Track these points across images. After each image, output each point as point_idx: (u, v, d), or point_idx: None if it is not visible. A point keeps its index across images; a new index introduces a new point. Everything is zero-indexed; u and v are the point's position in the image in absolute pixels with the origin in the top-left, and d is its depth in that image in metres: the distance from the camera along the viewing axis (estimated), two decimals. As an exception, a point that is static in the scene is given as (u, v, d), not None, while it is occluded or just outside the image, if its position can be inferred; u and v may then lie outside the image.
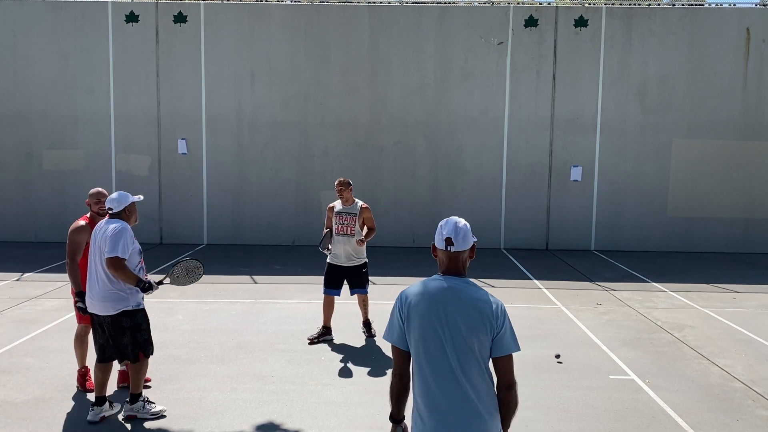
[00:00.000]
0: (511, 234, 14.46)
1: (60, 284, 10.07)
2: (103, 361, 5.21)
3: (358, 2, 14.35)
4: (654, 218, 14.30)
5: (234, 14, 14.21)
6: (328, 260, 7.50)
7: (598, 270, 12.03)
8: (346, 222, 7.35)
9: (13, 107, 14.32)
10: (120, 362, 5.49)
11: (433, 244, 2.98)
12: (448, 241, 2.87)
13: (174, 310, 8.61)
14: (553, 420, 5.37)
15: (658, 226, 14.31)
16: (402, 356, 2.91)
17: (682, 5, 14.48)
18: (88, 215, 5.80)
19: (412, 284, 2.98)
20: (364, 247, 7.49)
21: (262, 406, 5.56)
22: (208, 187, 14.49)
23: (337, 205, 7.49)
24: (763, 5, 14.10)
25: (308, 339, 7.38)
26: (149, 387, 5.85)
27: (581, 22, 14.04)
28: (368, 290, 7.61)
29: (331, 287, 7.46)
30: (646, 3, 15.53)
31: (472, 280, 2.91)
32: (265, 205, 14.47)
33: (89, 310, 5.21)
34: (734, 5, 14.24)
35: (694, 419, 5.43)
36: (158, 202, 14.43)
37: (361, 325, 7.74)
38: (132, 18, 14.16)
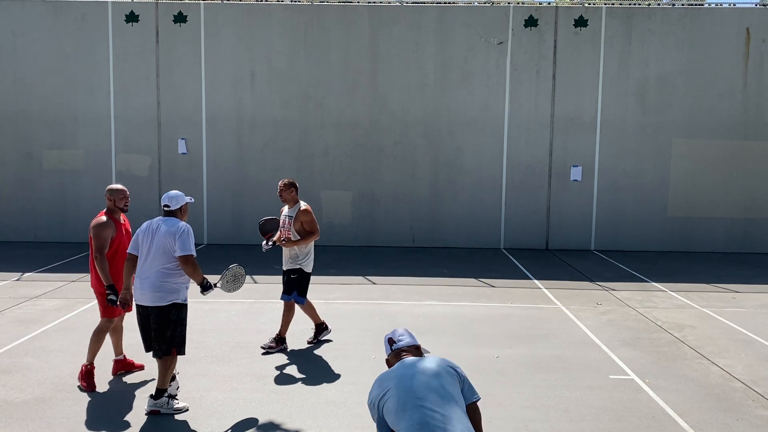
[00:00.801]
0: (511, 234, 14.46)
1: (60, 284, 10.08)
2: (148, 351, 5.46)
3: (358, 2, 14.35)
4: (654, 218, 14.31)
5: (234, 14, 14.22)
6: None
7: (598, 270, 12.03)
8: (286, 225, 7.07)
9: (13, 107, 14.32)
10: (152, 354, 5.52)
11: (386, 359, 3.66)
12: (390, 341, 3.67)
13: (174, 310, 8.60)
14: (553, 420, 5.37)
15: (658, 226, 14.31)
16: None
17: (682, 5, 14.48)
18: (105, 210, 5.94)
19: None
20: (305, 253, 7.05)
21: (262, 406, 5.56)
22: (208, 187, 14.49)
23: (285, 208, 7.23)
24: (763, 5, 14.10)
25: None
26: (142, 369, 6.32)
27: (581, 22, 14.04)
28: (292, 299, 7.06)
29: (283, 293, 7.17)
30: (646, 3, 15.53)
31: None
32: (265, 205, 14.44)
33: (137, 302, 5.37)
34: (734, 5, 14.23)
35: (694, 419, 5.43)
36: (158, 202, 14.42)
37: (272, 338, 7.10)
38: (132, 18, 14.16)
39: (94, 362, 5.96)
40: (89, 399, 5.66)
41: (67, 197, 14.40)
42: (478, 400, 3.33)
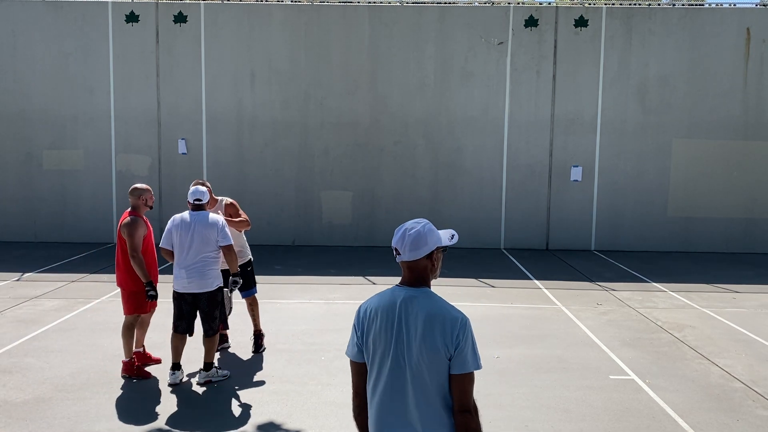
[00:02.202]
0: (511, 234, 14.46)
1: (60, 284, 10.08)
2: (181, 333, 6.03)
3: (358, 2, 14.35)
4: (654, 218, 14.30)
5: (234, 14, 14.21)
6: None
7: (598, 270, 12.03)
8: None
9: (13, 107, 14.32)
10: (189, 335, 6.15)
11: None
12: (396, 251, 2.64)
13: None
14: (553, 420, 5.37)
15: (658, 226, 14.30)
16: (358, 372, 2.73)
17: (682, 5, 14.48)
18: (130, 209, 6.20)
19: (371, 296, 2.77)
20: (245, 243, 7.03)
21: (262, 406, 5.56)
22: (208, 187, 14.47)
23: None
24: (763, 5, 14.10)
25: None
26: (159, 363, 6.50)
27: (581, 22, 14.04)
28: (256, 292, 7.10)
29: (244, 289, 7.02)
30: (646, 3, 15.53)
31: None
32: (265, 205, 14.46)
33: (183, 290, 5.91)
34: (734, 5, 14.23)
35: (694, 419, 5.42)
36: (158, 202, 14.41)
37: (251, 336, 7.10)
38: (132, 18, 14.16)
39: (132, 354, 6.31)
40: (89, 399, 5.67)
41: (67, 197, 14.40)
42: None
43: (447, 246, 2.70)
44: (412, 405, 2.55)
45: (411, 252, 2.61)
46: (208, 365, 6.05)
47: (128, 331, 6.20)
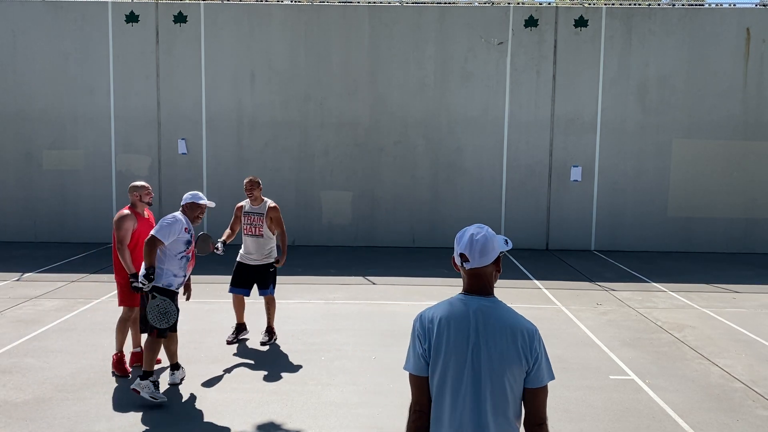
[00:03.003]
0: (511, 234, 14.43)
1: (60, 284, 10.08)
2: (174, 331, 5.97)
3: (358, 2, 14.35)
4: (654, 218, 14.30)
5: (234, 14, 14.21)
6: (237, 258, 7.38)
7: (598, 270, 12.03)
8: (254, 222, 7.24)
9: (13, 107, 14.32)
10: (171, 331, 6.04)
11: (453, 257, 2.64)
12: (463, 258, 2.53)
13: (174, 310, 8.61)
14: (553, 420, 5.36)
15: (658, 226, 14.30)
16: (423, 387, 2.52)
17: (682, 5, 14.48)
18: (129, 205, 6.33)
19: (431, 306, 2.61)
20: (275, 246, 7.35)
21: (262, 406, 5.56)
22: (208, 187, 14.48)
23: (246, 204, 7.36)
24: (763, 5, 14.10)
25: (227, 341, 7.25)
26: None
27: (581, 22, 14.04)
28: (274, 293, 7.36)
29: (238, 287, 7.29)
30: (646, 3, 15.53)
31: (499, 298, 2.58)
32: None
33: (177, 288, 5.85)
34: (734, 5, 14.23)
35: (694, 419, 5.42)
36: (158, 202, 14.42)
37: (264, 332, 7.34)
38: (132, 18, 14.16)
39: (123, 350, 6.37)
40: (89, 399, 5.67)
41: (67, 197, 14.40)
42: None
43: (505, 251, 2.63)
44: (490, 419, 2.45)
45: (480, 258, 2.51)
46: (145, 373, 5.65)
47: (122, 324, 6.31)
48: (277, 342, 7.36)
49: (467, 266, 2.53)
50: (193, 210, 6.02)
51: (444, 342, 2.48)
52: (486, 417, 2.45)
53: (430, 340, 2.49)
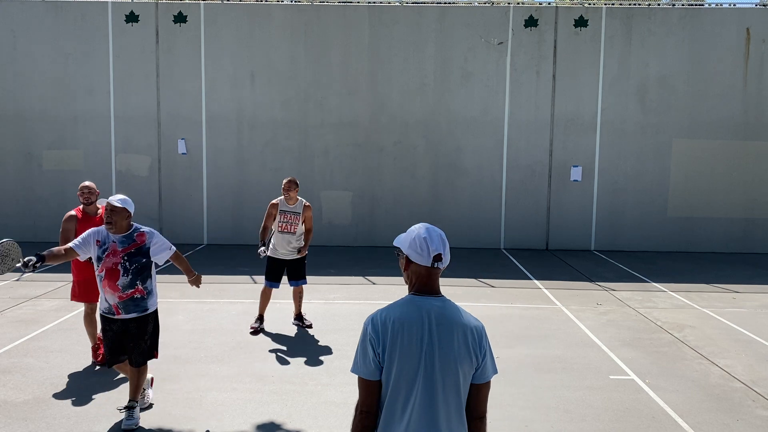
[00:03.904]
0: (511, 234, 14.46)
1: (60, 284, 10.08)
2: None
3: (358, 2, 14.35)
4: (654, 218, 14.30)
5: (234, 14, 14.21)
6: (269, 254, 7.72)
7: (598, 270, 12.03)
8: (290, 221, 7.64)
9: (13, 107, 14.32)
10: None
11: (406, 256, 2.53)
12: (437, 258, 2.48)
13: (174, 310, 8.61)
14: (553, 420, 5.37)
15: (658, 226, 14.30)
16: (373, 391, 2.48)
17: (682, 5, 14.48)
18: (80, 207, 6.45)
19: (382, 308, 2.56)
20: (302, 241, 7.78)
21: (262, 406, 5.56)
22: (208, 187, 14.49)
23: (282, 203, 7.69)
24: (763, 5, 14.10)
25: (251, 330, 7.67)
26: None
27: (581, 22, 14.04)
28: (302, 283, 7.90)
29: (275, 280, 7.74)
30: (646, 3, 15.53)
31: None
32: (265, 205, 14.35)
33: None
34: (734, 5, 14.23)
35: (694, 419, 5.42)
36: (158, 202, 14.43)
37: (294, 319, 8.03)
38: (132, 18, 14.15)
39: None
40: (90, 399, 5.66)
41: (67, 197, 14.38)
42: None
43: None
44: (443, 419, 2.47)
45: (447, 256, 2.53)
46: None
47: (87, 318, 6.54)
48: (276, 342, 7.36)
49: (440, 266, 2.51)
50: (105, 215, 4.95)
51: (398, 345, 2.45)
52: (438, 416, 2.46)
53: (384, 344, 2.46)
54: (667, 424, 5.33)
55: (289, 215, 7.63)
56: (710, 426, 5.31)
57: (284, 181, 7.61)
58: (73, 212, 6.31)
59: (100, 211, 6.45)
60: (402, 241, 2.58)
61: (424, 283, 2.54)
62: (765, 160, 14.21)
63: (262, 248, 7.55)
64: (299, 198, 7.68)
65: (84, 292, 6.45)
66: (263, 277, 7.85)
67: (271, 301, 9.20)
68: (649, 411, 5.59)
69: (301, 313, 8.03)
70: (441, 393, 2.46)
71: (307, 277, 7.97)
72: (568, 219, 14.36)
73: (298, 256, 7.71)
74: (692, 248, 14.29)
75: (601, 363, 6.80)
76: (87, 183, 6.47)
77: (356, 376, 2.54)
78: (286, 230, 7.62)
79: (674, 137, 14.20)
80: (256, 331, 7.65)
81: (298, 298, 7.93)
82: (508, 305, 9.25)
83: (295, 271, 7.77)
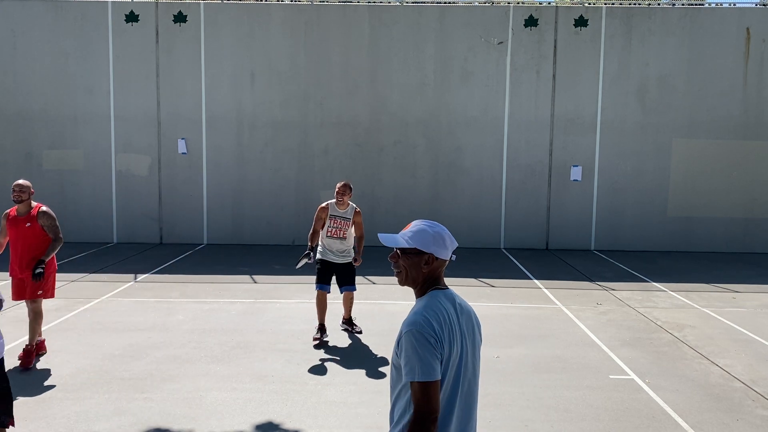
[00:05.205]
0: (511, 234, 14.46)
1: (60, 284, 10.03)
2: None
3: (358, 2, 14.35)
4: (654, 218, 14.30)
5: (234, 14, 14.21)
6: (319, 257, 7.53)
7: (598, 270, 12.03)
8: (340, 226, 7.42)
9: (13, 107, 14.32)
10: None
11: (430, 255, 2.46)
12: (454, 250, 2.53)
13: (174, 310, 8.62)
14: (553, 420, 5.37)
15: (658, 226, 14.31)
16: (438, 395, 2.36)
17: (682, 5, 14.48)
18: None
19: (417, 309, 2.45)
20: (353, 245, 7.62)
21: (262, 406, 5.56)
22: (208, 187, 14.49)
23: (332, 207, 7.45)
24: (763, 5, 14.10)
25: (314, 340, 7.30)
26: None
27: (581, 22, 14.04)
28: (355, 290, 7.72)
29: (326, 283, 7.50)
30: (646, 3, 15.53)
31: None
32: (265, 205, 14.47)
33: None
34: (734, 5, 14.24)
35: (694, 419, 5.42)
36: (158, 202, 14.43)
37: (342, 323, 7.80)
38: (132, 18, 14.16)
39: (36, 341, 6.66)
40: (89, 399, 5.67)
41: (67, 197, 14.39)
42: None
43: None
44: (475, 409, 2.52)
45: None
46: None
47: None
48: (276, 342, 7.36)
49: (454, 259, 2.57)
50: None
51: (448, 339, 2.40)
52: (476, 399, 2.52)
53: (442, 341, 2.38)
54: (667, 424, 5.33)
55: (339, 220, 7.40)
56: (710, 426, 5.31)
57: (338, 185, 7.36)
58: (7, 210, 6.57)
59: (34, 210, 6.64)
60: (423, 241, 2.47)
61: (441, 276, 2.53)
62: (765, 160, 14.20)
63: (305, 258, 7.25)
64: (350, 203, 7.47)
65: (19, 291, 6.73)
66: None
67: (271, 301, 9.21)
68: (648, 411, 5.59)
69: (351, 318, 7.79)
70: (474, 385, 2.52)
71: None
72: (568, 219, 14.36)
73: (345, 261, 7.52)
74: (692, 248, 14.30)
75: (601, 363, 6.80)
76: (20, 181, 6.60)
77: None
78: (335, 235, 7.40)
79: (674, 137, 14.21)
80: (320, 343, 7.23)
81: (348, 302, 7.69)
82: (508, 305, 9.25)
83: (345, 276, 7.55)
